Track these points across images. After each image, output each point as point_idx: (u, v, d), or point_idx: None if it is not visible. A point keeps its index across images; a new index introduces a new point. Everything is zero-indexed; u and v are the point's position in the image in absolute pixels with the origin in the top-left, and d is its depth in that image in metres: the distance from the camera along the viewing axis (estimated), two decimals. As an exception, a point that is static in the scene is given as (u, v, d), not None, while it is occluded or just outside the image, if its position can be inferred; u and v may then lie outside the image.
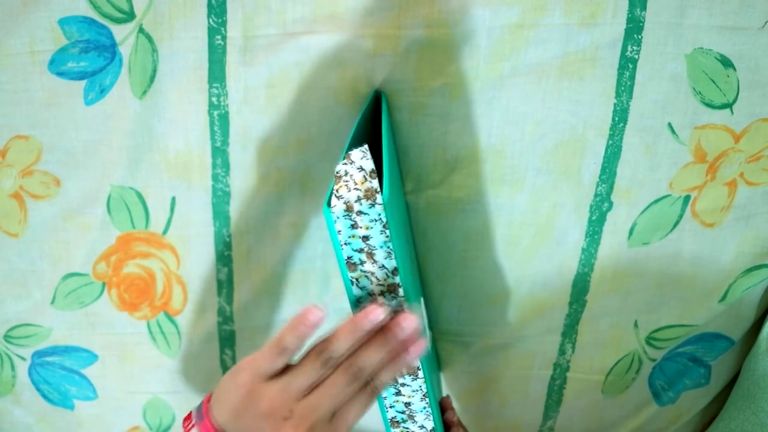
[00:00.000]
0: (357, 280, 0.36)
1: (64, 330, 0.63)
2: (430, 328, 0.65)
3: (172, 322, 0.64)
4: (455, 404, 0.69)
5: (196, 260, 0.61)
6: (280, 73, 0.55)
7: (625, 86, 0.54)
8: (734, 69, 0.53)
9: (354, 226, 0.34)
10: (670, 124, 0.55)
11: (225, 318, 0.64)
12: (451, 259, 0.61)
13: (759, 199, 0.58)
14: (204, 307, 0.63)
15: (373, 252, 0.35)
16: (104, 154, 0.57)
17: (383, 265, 0.35)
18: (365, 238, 0.34)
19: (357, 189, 0.33)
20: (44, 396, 0.66)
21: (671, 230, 0.59)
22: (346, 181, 0.33)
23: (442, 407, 0.53)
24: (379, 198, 0.33)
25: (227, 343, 0.65)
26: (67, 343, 0.64)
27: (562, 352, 0.65)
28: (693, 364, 0.66)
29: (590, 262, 0.61)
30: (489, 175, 0.57)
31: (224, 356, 0.65)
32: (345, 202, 0.33)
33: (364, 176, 0.33)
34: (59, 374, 0.65)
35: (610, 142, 0.56)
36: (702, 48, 0.53)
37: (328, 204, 0.34)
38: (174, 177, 0.58)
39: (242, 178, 0.58)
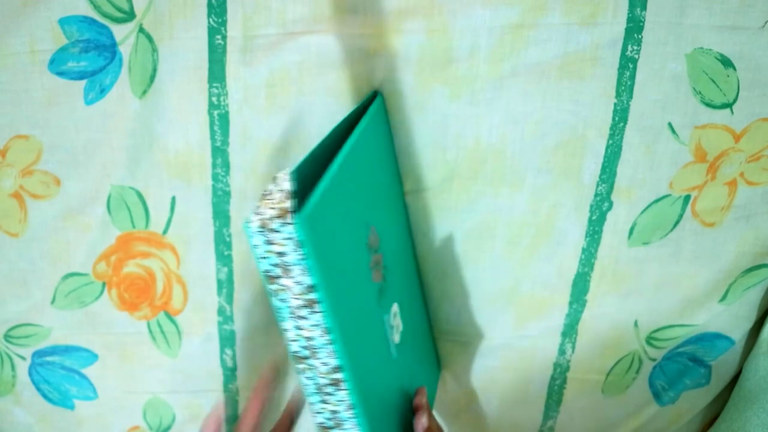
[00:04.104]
0: (276, 292, 0.37)
1: (64, 330, 0.63)
2: (430, 327, 0.65)
3: (172, 321, 0.64)
4: (455, 404, 0.69)
5: (197, 260, 0.61)
6: (280, 72, 0.55)
7: (625, 86, 0.54)
8: (734, 69, 0.53)
9: (269, 242, 0.36)
10: (670, 124, 0.55)
11: (225, 317, 0.64)
12: (451, 259, 0.61)
13: (759, 199, 0.58)
14: (204, 307, 0.63)
15: (289, 268, 0.37)
16: (104, 154, 0.57)
17: (299, 281, 0.37)
18: (280, 254, 0.36)
19: (273, 208, 0.36)
20: (44, 396, 0.66)
21: (671, 230, 0.59)
22: (269, 200, 0.36)
23: (415, 393, 0.54)
24: (290, 218, 0.35)
25: (227, 342, 0.65)
26: (67, 342, 0.64)
27: (562, 352, 0.65)
28: (693, 364, 0.66)
29: (590, 262, 0.61)
30: (489, 175, 0.57)
31: (224, 356, 0.65)
32: (260, 219, 0.36)
33: (282, 197, 0.36)
34: (59, 374, 0.65)
35: (611, 141, 0.56)
36: (702, 48, 0.53)
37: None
38: (174, 176, 0.58)
39: (242, 178, 0.58)
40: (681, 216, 0.59)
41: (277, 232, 0.35)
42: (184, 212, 0.60)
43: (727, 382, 0.67)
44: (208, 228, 0.60)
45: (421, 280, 0.63)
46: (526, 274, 0.61)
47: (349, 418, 0.42)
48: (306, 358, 0.40)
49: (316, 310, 0.38)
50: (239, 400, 0.68)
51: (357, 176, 0.45)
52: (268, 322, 0.64)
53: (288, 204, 0.35)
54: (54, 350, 0.64)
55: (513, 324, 0.63)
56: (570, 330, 0.64)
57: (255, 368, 0.66)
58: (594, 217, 0.59)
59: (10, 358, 0.64)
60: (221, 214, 0.60)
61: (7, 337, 0.63)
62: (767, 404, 0.58)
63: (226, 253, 0.61)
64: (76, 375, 0.65)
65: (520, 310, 0.63)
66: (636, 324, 0.64)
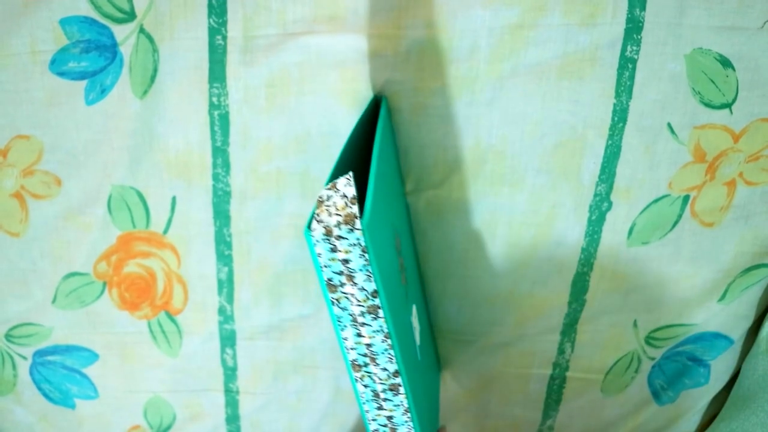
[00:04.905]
0: (337, 300, 0.37)
1: (65, 329, 0.63)
2: (431, 327, 0.65)
3: (173, 321, 0.64)
4: (455, 404, 0.70)
5: (197, 259, 0.62)
6: (281, 73, 0.55)
7: (624, 86, 0.54)
8: (733, 69, 0.54)
9: (333, 250, 0.35)
10: (669, 124, 0.56)
11: (225, 317, 0.64)
12: (451, 259, 0.61)
13: (758, 199, 0.58)
14: (204, 307, 0.63)
15: (353, 275, 0.36)
16: (105, 154, 0.57)
17: (363, 288, 0.36)
18: (345, 261, 0.35)
19: (338, 214, 0.34)
20: (45, 395, 0.67)
21: (670, 230, 0.59)
22: (328, 206, 0.34)
23: None
24: (358, 223, 0.34)
25: (228, 342, 0.65)
26: (68, 342, 0.64)
27: (561, 351, 0.65)
28: (692, 363, 0.66)
29: (590, 262, 0.61)
30: (489, 175, 0.58)
31: (225, 355, 0.66)
32: (325, 227, 0.34)
33: (346, 202, 0.34)
34: (60, 373, 0.65)
35: (610, 142, 0.56)
36: (701, 48, 0.53)
37: (309, 227, 0.34)
38: (174, 176, 0.58)
39: (242, 178, 0.58)
40: (680, 216, 0.59)
41: (344, 238, 0.34)
42: (184, 212, 0.60)
43: (726, 381, 0.67)
44: (209, 228, 0.60)
45: (422, 280, 0.63)
46: (526, 274, 0.61)
47: (406, 422, 0.42)
48: (364, 365, 0.40)
49: (379, 315, 0.37)
50: (239, 400, 0.68)
51: (383, 180, 0.45)
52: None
53: (354, 209, 0.34)
54: (55, 350, 0.64)
55: (513, 323, 0.64)
56: (569, 329, 0.64)
57: (255, 368, 0.66)
58: (593, 217, 0.59)
59: (11, 358, 0.64)
60: (222, 214, 0.60)
61: (8, 336, 0.63)
62: (766, 403, 0.58)
63: (226, 252, 0.61)
64: (77, 374, 0.66)
65: (520, 310, 0.63)
66: (635, 323, 0.64)
